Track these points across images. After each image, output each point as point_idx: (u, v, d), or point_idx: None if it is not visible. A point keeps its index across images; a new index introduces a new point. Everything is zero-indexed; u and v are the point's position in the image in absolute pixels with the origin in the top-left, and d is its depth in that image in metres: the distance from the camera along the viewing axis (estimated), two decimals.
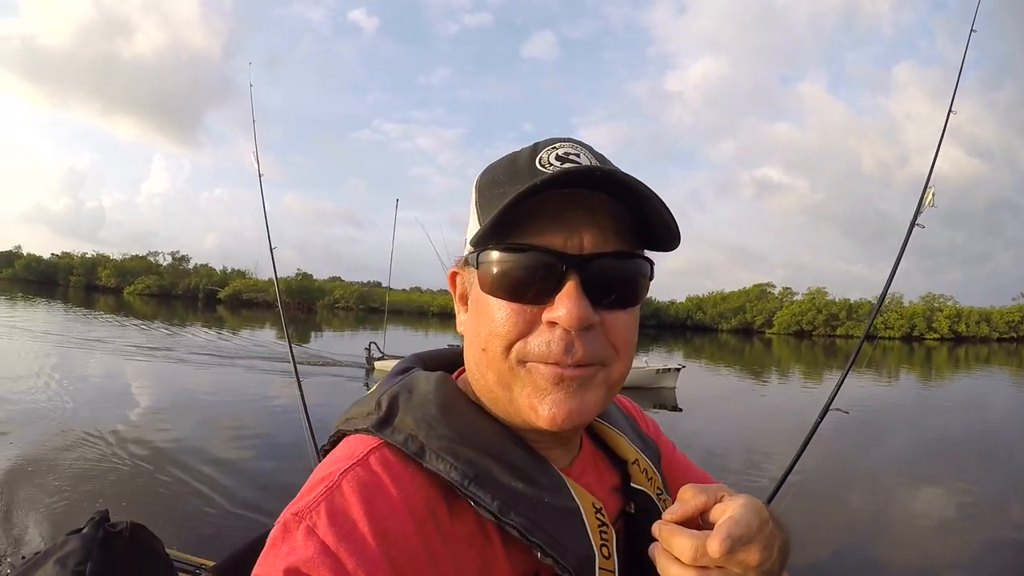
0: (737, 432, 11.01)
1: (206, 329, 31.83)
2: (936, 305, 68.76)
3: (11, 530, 5.14)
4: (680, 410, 12.89)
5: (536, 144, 0.75)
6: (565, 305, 0.65)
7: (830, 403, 3.24)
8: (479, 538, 0.66)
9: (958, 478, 8.10)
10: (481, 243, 0.69)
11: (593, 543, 0.68)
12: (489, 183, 0.74)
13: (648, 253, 0.74)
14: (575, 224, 0.67)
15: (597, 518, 0.71)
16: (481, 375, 0.73)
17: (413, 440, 0.67)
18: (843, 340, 58.31)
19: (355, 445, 0.69)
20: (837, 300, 71.29)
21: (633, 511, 0.81)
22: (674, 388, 14.47)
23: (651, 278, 0.74)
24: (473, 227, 0.74)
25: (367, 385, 12.50)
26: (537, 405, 0.68)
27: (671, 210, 0.69)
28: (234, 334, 29.68)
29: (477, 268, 0.71)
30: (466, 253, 0.75)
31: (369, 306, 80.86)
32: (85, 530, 1.27)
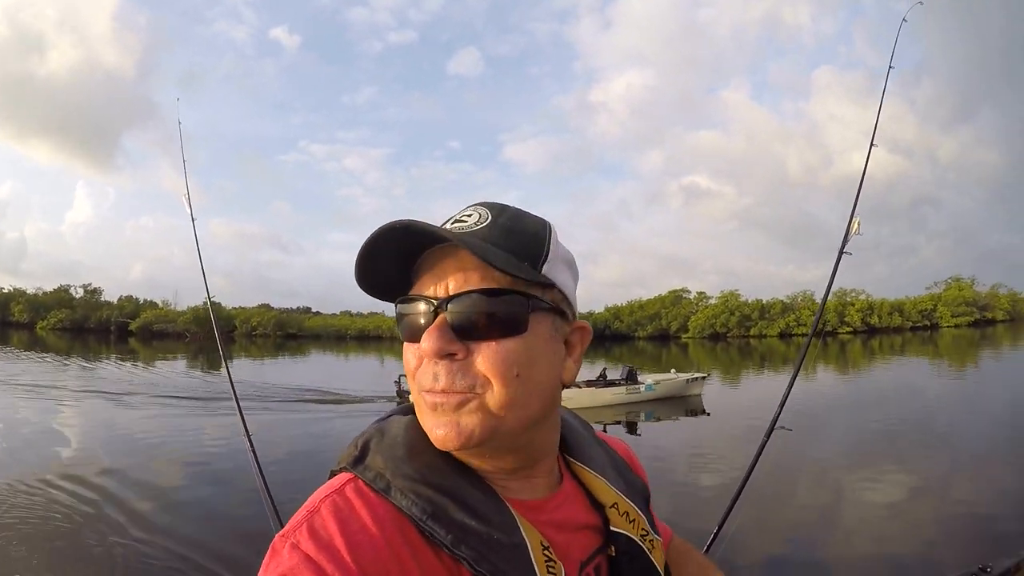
0: (680, 444, 11.20)
1: (123, 363, 30.34)
2: (848, 299, 70.65)
3: None
4: (708, 414, 13.32)
5: (464, 209, 0.86)
6: (425, 339, 0.75)
7: (775, 421, 3.32)
8: (448, 558, 0.72)
9: (902, 464, 8.37)
10: (393, 300, 0.84)
11: (538, 574, 0.75)
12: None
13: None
14: (442, 272, 0.78)
15: (545, 555, 0.77)
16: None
17: (381, 478, 0.75)
18: (756, 340, 60.23)
19: (335, 481, 0.77)
20: (750, 301, 72.93)
21: (613, 554, 0.88)
22: (700, 395, 14.98)
23: (532, 310, 0.79)
24: None
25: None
26: (431, 428, 0.77)
27: (496, 249, 0.77)
28: (147, 367, 28.38)
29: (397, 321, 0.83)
30: None
31: (287, 332, 79.45)
32: None
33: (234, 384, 4.07)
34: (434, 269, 0.79)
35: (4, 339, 52.91)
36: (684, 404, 14.15)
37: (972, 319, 70.50)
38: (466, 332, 0.76)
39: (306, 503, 0.75)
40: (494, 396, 0.76)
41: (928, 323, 70.14)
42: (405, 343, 0.81)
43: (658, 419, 12.46)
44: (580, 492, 0.93)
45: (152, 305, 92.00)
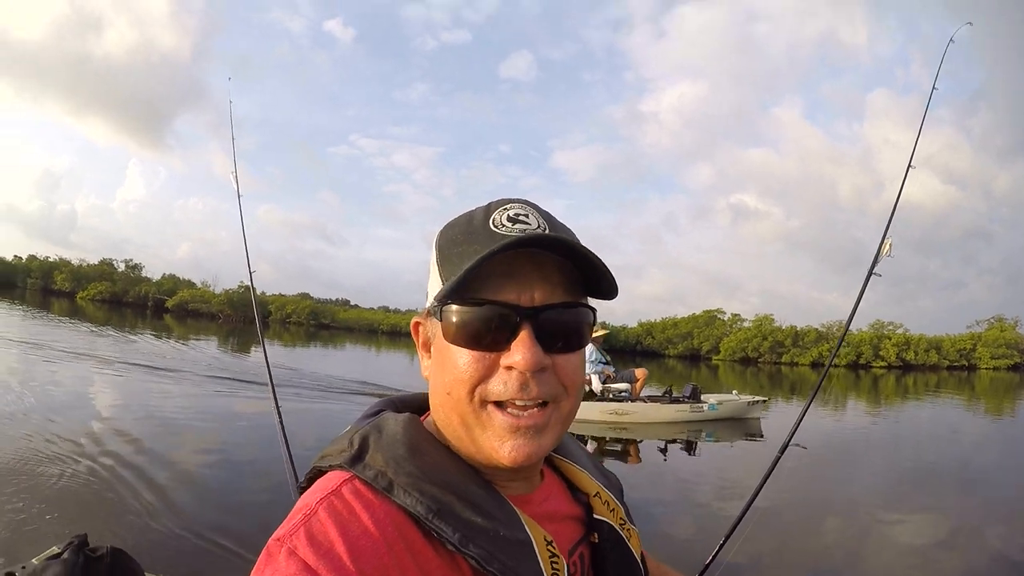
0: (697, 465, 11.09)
1: (158, 337, 30.86)
2: (884, 332, 69.28)
3: None
4: (763, 438, 13.16)
5: (490, 204, 0.85)
6: (520, 351, 0.75)
7: (790, 438, 3.26)
8: (448, 560, 0.72)
9: (933, 505, 8.09)
10: (445, 298, 0.78)
11: (545, 572, 0.76)
12: (448, 242, 0.83)
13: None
14: (526, 280, 0.78)
15: (548, 550, 0.78)
16: (446, 417, 0.82)
17: (382, 476, 0.74)
18: (788, 367, 59.17)
19: (330, 479, 0.76)
20: (784, 327, 71.57)
21: (597, 541, 0.91)
22: (759, 419, 14.87)
23: (593, 323, 0.84)
24: (435, 282, 0.83)
25: None
26: (498, 447, 0.77)
27: (609, 268, 0.80)
28: (181, 343, 28.80)
29: (441, 320, 0.79)
30: (429, 305, 0.84)
31: (320, 322, 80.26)
32: (65, 555, 1.20)
33: (269, 361, 4.12)
34: (515, 275, 0.78)
35: (46, 306, 54.43)
36: (744, 427, 14.01)
37: (1012, 362, 68.08)
38: (549, 344, 0.77)
39: (299, 504, 0.73)
40: (567, 407, 0.81)
41: (966, 363, 67.90)
42: (459, 348, 0.78)
43: (717, 440, 12.32)
44: (561, 484, 0.97)
45: (190, 285, 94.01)
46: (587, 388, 14.00)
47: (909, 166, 3.52)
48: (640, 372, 14.46)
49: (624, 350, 73.98)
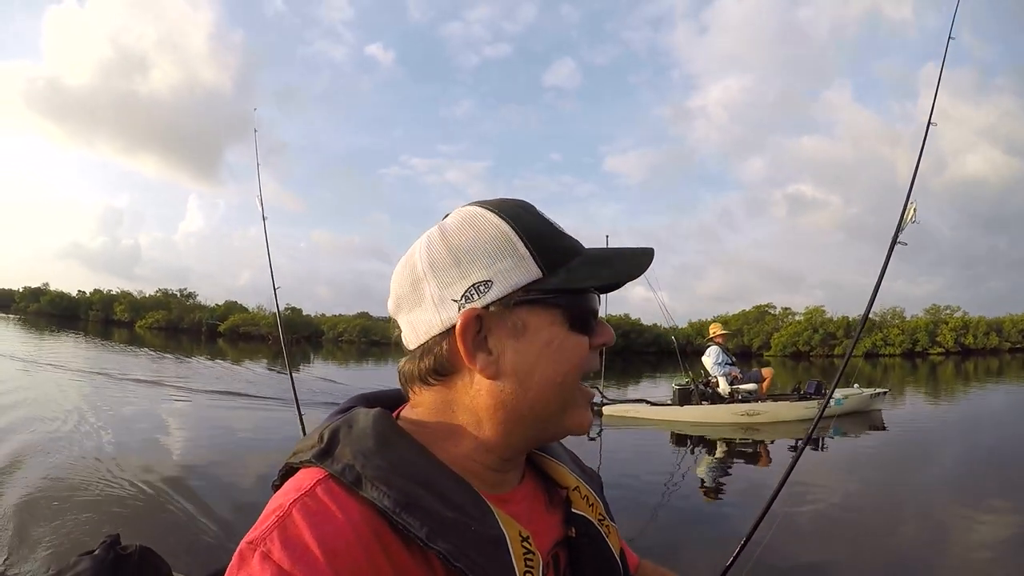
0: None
1: (212, 361, 31.84)
2: (941, 317, 66.17)
3: (24, 552, 5.22)
4: (886, 429, 13.14)
5: (520, 202, 0.88)
6: (607, 331, 0.85)
7: (810, 435, 3.25)
8: (421, 557, 0.70)
9: (1008, 502, 7.46)
10: (574, 289, 0.81)
11: (517, 570, 0.73)
12: (535, 233, 0.83)
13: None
14: None
15: (523, 546, 0.76)
16: (544, 406, 0.81)
17: (350, 470, 0.72)
18: (840, 359, 57.60)
19: (302, 478, 0.75)
20: (835, 318, 68.53)
21: (574, 535, 0.90)
22: (881, 411, 14.89)
23: None
24: (523, 269, 0.80)
25: (596, 436, 12.41)
26: (583, 418, 0.84)
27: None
28: (233, 364, 29.48)
29: (568, 309, 0.81)
30: (512, 295, 0.80)
31: (371, 339, 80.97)
32: (97, 552, 1.34)
33: (294, 382, 4.60)
34: None
35: (107, 335, 56.64)
36: (868, 419, 13.91)
37: None
38: None
39: (272, 504, 0.72)
40: None
41: None
42: (576, 335, 0.82)
43: (845, 435, 12.24)
44: (540, 481, 0.97)
45: (242, 309, 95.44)
46: (715, 390, 14.17)
47: (929, 123, 3.39)
48: (767, 371, 14.59)
49: (673, 351, 72.73)
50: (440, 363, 0.82)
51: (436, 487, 0.74)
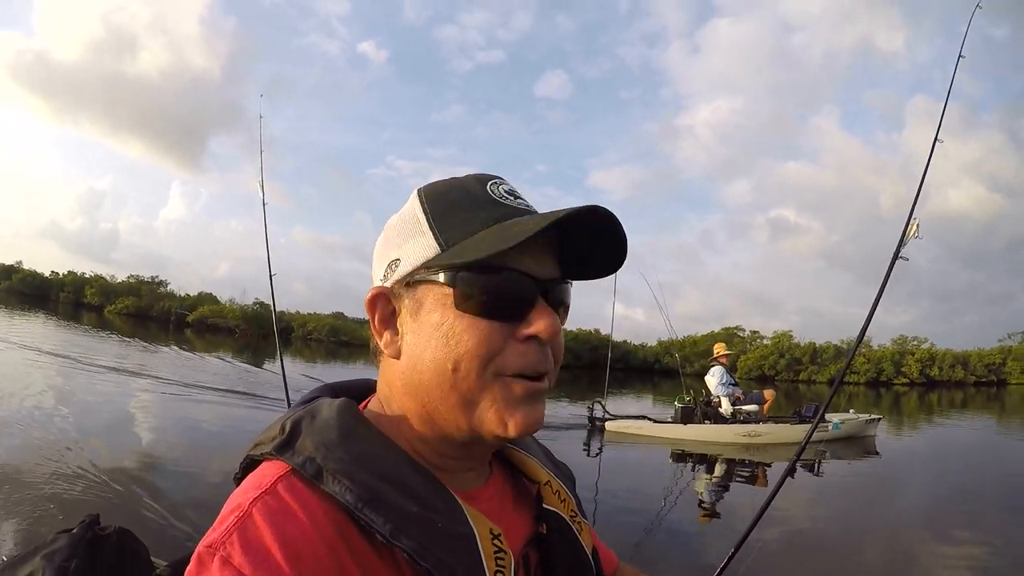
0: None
1: (181, 351, 31.53)
2: (907, 348, 67.47)
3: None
4: (879, 454, 13.45)
5: (476, 176, 0.83)
6: (543, 321, 0.74)
7: (800, 454, 3.24)
8: (388, 556, 0.67)
9: (975, 530, 7.59)
10: (461, 264, 0.73)
11: (487, 569, 0.70)
12: (447, 207, 0.78)
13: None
14: (540, 252, 0.77)
15: (494, 544, 0.73)
16: (441, 396, 0.75)
17: (311, 462, 0.69)
18: (804, 385, 58.16)
19: (262, 474, 0.71)
20: (803, 344, 70.24)
21: (545, 531, 0.87)
22: (875, 436, 15.20)
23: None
24: (422, 246, 0.77)
25: (589, 447, 12.65)
26: (507, 417, 0.74)
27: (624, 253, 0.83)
28: (201, 356, 29.26)
29: (454, 287, 0.74)
30: (413, 272, 0.77)
31: (340, 340, 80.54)
32: (75, 531, 1.32)
33: (285, 373, 4.44)
34: (535, 252, 0.76)
35: (76, 318, 56.12)
36: (862, 445, 14.26)
37: None
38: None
39: (231, 502, 0.68)
40: (550, 385, 0.80)
41: (995, 378, 65.28)
42: (476, 318, 0.74)
43: (840, 458, 12.44)
44: (509, 477, 0.94)
45: (213, 300, 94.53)
46: (717, 409, 14.30)
47: (936, 139, 3.36)
48: (768, 393, 14.77)
49: (642, 368, 73.25)
50: (375, 342, 0.82)
51: (401, 481, 0.71)
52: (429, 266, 0.76)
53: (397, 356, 0.79)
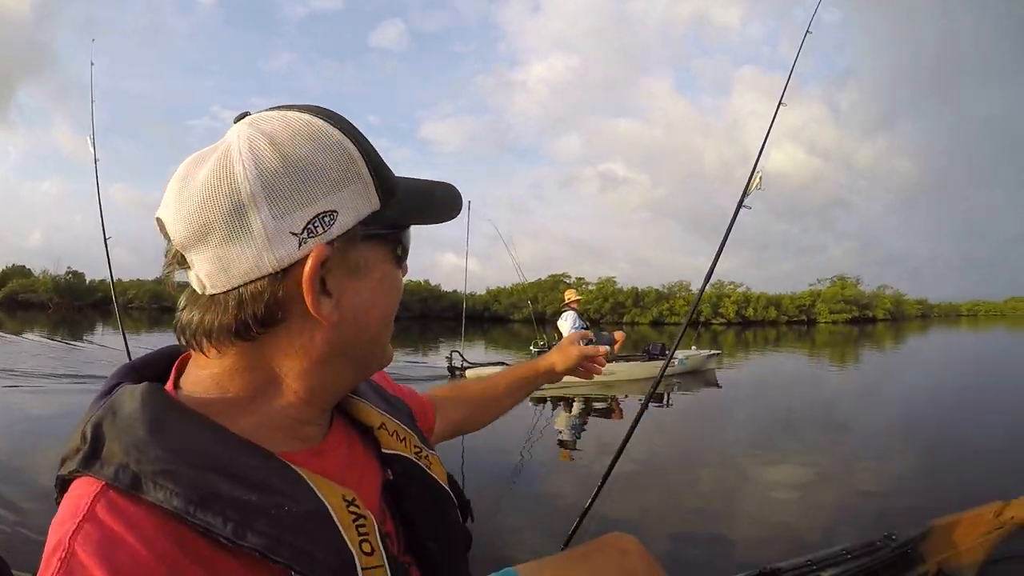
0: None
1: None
2: (724, 291, 72.10)
3: None
4: (720, 387, 14.45)
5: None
6: (405, 265, 0.76)
7: (653, 391, 3.22)
8: (247, 559, 0.57)
9: (802, 449, 8.19)
10: (406, 224, 0.72)
11: (349, 543, 0.62)
12: (377, 155, 0.68)
13: None
14: None
15: (350, 511, 0.65)
16: (368, 346, 0.72)
17: (124, 471, 0.57)
18: (628, 327, 60.85)
19: (76, 496, 0.58)
20: (625, 289, 74.58)
21: (392, 478, 0.81)
22: (715, 370, 16.44)
23: None
24: (362, 195, 0.66)
25: None
26: (390, 351, 0.78)
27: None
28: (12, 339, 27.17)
29: (399, 242, 0.72)
30: (357, 227, 0.66)
31: (163, 305, 76.28)
32: None
33: (128, 345, 4.34)
34: None
35: None
36: (704, 378, 15.32)
37: (850, 316, 74.22)
38: None
39: (51, 538, 0.56)
40: None
41: (805, 318, 73.39)
42: (401, 268, 0.74)
43: (685, 391, 13.33)
44: (349, 424, 0.83)
45: (25, 273, 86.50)
46: None
47: (780, 102, 3.49)
48: (619, 335, 15.40)
49: (471, 316, 73.65)
50: (269, 312, 0.63)
51: (233, 468, 0.60)
52: (370, 221, 0.67)
53: (336, 320, 0.66)
